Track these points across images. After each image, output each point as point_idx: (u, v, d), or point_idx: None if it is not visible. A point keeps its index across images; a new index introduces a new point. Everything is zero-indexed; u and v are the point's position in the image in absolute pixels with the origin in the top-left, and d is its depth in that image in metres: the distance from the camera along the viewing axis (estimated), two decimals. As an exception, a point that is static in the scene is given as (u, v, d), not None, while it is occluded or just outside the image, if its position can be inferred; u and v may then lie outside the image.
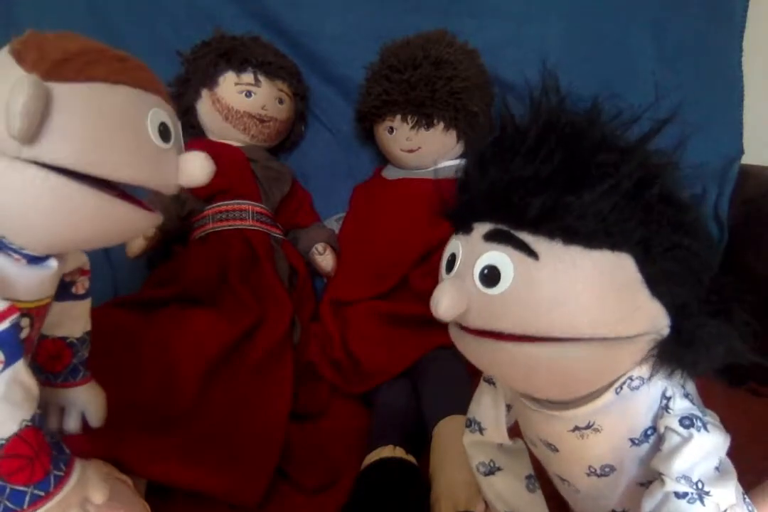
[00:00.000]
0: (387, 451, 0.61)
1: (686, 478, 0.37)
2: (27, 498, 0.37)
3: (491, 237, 0.35)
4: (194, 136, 0.96)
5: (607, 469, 0.42)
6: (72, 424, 0.53)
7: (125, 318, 0.72)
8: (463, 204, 0.39)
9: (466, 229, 0.37)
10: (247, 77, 0.92)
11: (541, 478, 0.51)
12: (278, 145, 1.02)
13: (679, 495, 0.37)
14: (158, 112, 0.40)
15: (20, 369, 0.36)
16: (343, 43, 1.03)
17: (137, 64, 0.41)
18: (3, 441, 0.35)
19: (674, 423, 0.38)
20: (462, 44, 0.91)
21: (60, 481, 0.39)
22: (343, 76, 1.04)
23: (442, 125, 0.89)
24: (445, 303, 0.34)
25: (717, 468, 0.37)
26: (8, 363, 0.36)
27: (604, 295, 0.33)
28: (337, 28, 1.04)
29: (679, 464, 0.37)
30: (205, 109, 0.93)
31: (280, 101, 0.96)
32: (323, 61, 1.05)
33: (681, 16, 1.00)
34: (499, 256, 0.34)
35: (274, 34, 1.02)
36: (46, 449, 0.38)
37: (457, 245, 0.38)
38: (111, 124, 0.37)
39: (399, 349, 0.78)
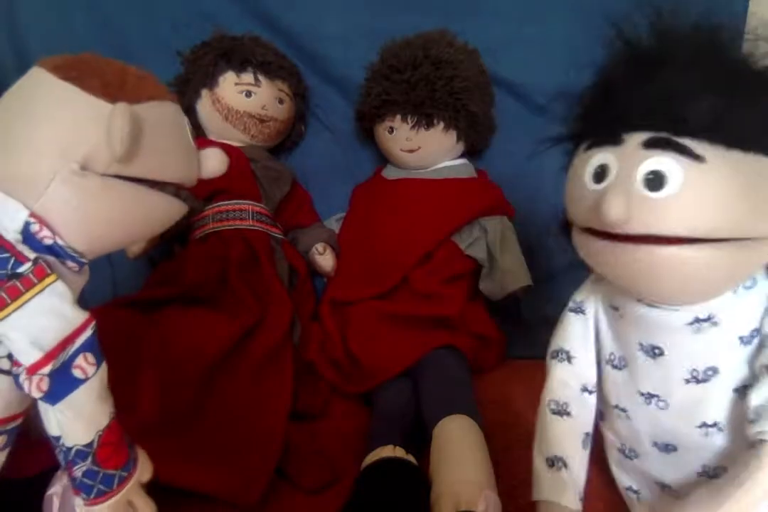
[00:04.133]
0: (387, 451, 0.61)
1: None
2: (116, 480, 0.42)
3: (653, 144, 0.37)
4: (194, 136, 0.96)
5: (709, 372, 0.43)
6: None
7: (125, 318, 0.72)
8: (610, 115, 0.40)
9: (615, 140, 0.39)
10: (247, 77, 0.92)
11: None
12: (278, 145, 1.02)
13: None
14: (186, 117, 0.47)
15: (104, 368, 0.41)
16: (343, 43, 1.03)
17: (154, 77, 0.45)
18: (100, 432, 0.41)
19: None
20: (462, 44, 0.91)
21: (135, 463, 0.45)
22: (343, 76, 1.04)
23: (442, 125, 0.89)
24: (616, 208, 0.36)
25: None
26: (98, 365, 0.40)
27: (762, 197, 0.36)
28: (337, 28, 1.04)
29: None
30: (205, 109, 0.93)
31: (280, 101, 0.96)
32: (323, 61, 1.05)
33: (681, 17, 1.00)
34: (664, 161, 0.36)
35: (274, 34, 1.02)
36: (124, 436, 0.43)
37: (606, 156, 0.39)
38: (171, 136, 0.45)
39: (399, 349, 0.78)
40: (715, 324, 0.42)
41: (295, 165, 1.04)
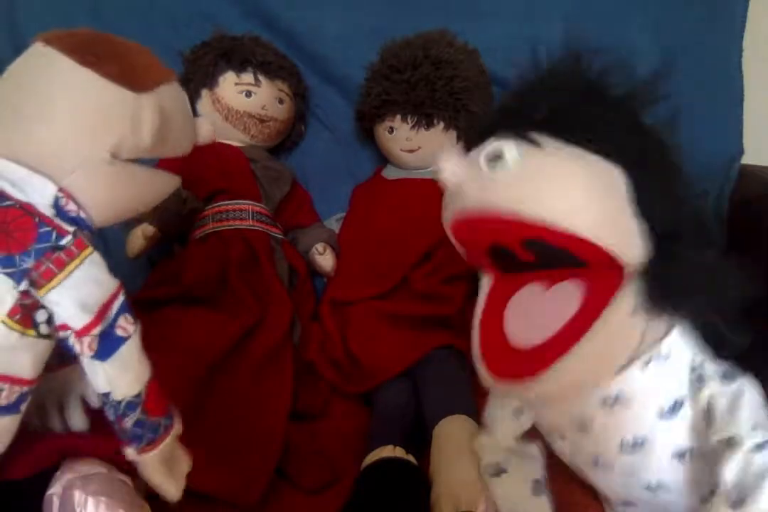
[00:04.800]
0: (387, 451, 0.61)
1: (761, 426, 0.38)
2: (161, 428, 0.46)
3: (501, 134, 0.40)
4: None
5: (639, 441, 0.43)
6: (77, 418, 0.53)
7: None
8: (487, 122, 0.45)
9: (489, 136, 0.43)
10: (247, 77, 0.92)
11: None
12: (278, 145, 1.02)
13: (760, 447, 0.37)
14: (184, 92, 0.50)
15: (140, 327, 0.46)
16: (343, 43, 1.03)
17: (150, 53, 0.47)
18: (146, 383, 0.45)
19: (718, 387, 0.40)
20: (462, 44, 0.91)
21: (174, 414, 0.49)
22: (343, 76, 1.04)
23: (442, 125, 0.89)
24: (449, 165, 0.40)
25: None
26: (135, 324, 0.45)
27: (599, 198, 0.38)
28: (337, 28, 1.03)
29: (746, 417, 0.38)
30: (205, 109, 0.93)
31: (280, 101, 0.96)
32: (323, 61, 1.05)
33: (681, 17, 1.00)
34: (504, 143, 0.39)
35: (274, 34, 1.02)
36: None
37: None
38: (181, 116, 0.47)
39: (399, 349, 0.78)
40: (624, 402, 0.42)
41: (295, 165, 1.04)
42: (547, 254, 0.40)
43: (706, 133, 0.96)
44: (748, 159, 0.96)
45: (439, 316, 0.83)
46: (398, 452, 0.61)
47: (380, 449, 0.62)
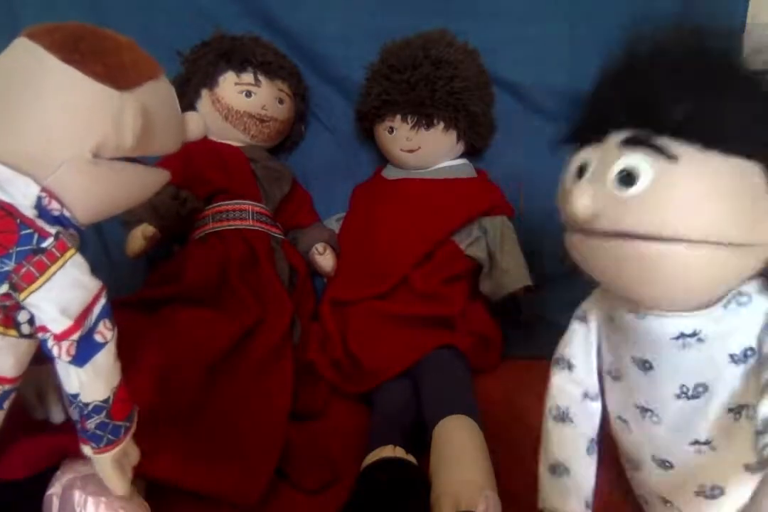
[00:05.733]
0: (387, 451, 0.61)
1: None
2: (122, 431, 0.46)
3: (628, 142, 0.37)
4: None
5: (700, 389, 0.42)
6: (55, 411, 0.53)
7: (125, 318, 0.71)
8: (597, 115, 0.40)
9: (598, 138, 0.39)
10: (247, 77, 0.92)
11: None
12: (278, 145, 1.02)
13: None
14: (173, 87, 0.48)
15: (116, 331, 0.45)
16: (343, 43, 1.03)
17: (139, 48, 0.46)
18: (115, 389, 0.44)
19: None
20: (462, 44, 0.91)
21: (135, 414, 0.48)
22: (343, 76, 1.04)
23: (442, 125, 0.89)
24: (583, 201, 0.36)
25: None
26: (114, 329, 0.44)
27: (739, 201, 0.35)
28: (337, 28, 1.04)
29: None
30: (205, 109, 0.93)
31: (280, 101, 0.96)
32: (323, 61, 1.05)
33: (681, 17, 1.00)
34: (636, 159, 0.36)
35: (274, 34, 1.02)
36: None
37: (587, 154, 0.39)
38: (167, 113, 0.47)
39: (399, 349, 0.78)
40: (701, 340, 0.41)
41: (295, 165, 1.04)
42: None
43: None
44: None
45: (439, 316, 0.83)
46: (398, 452, 0.61)
47: (380, 449, 0.62)
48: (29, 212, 0.40)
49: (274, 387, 0.72)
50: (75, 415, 0.45)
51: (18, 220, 0.40)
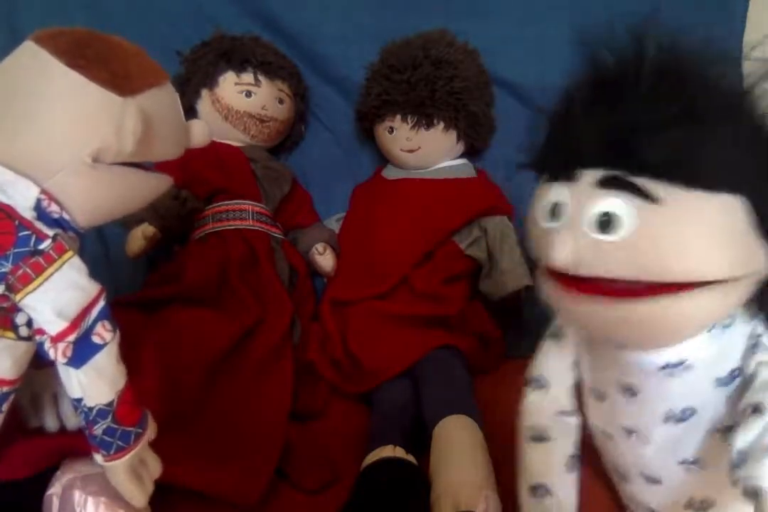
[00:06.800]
0: (387, 451, 0.61)
1: None
2: (132, 436, 0.45)
3: (607, 183, 0.34)
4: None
5: (687, 412, 0.42)
6: (71, 416, 0.52)
7: (125, 318, 0.71)
8: (566, 149, 0.37)
9: (570, 175, 0.36)
10: (247, 77, 0.92)
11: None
12: (278, 145, 1.02)
13: None
14: (176, 93, 0.49)
15: (118, 333, 0.45)
16: (343, 43, 1.03)
17: (147, 56, 0.47)
18: (119, 392, 0.44)
19: (766, 358, 0.39)
20: (462, 44, 0.91)
21: (146, 421, 0.47)
22: (343, 76, 1.04)
23: (442, 125, 0.89)
24: (564, 250, 0.34)
25: None
26: (114, 331, 0.44)
27: (726, 239, 0.33)
28: (337, 28, 1.04)
29: None
30: (205, 109, 0.93)
31: (280, 101, 0.96)
32: (323, 61, 1.05)
33: (681, 17, 1.00)
34: (617, 203, 0.33)
35: (274, 34, 1.02)
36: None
37: (561, 193, 0.36)
38: (170, 119, 0.47)
39: (399, 349, 0.78)
40: (688, 368, 0.40)
41: (295, 165, 1.04)
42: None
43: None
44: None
45: (439, 316, 0.83)
46: (398, 452, 0.61)
47: (380, 449, 0.62)
48: (28, 214, 0.41)
49: (274, 387, 0.72)
50: (82, 421, 0.44)
51: (16, 222, 0.40)
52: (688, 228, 0.33)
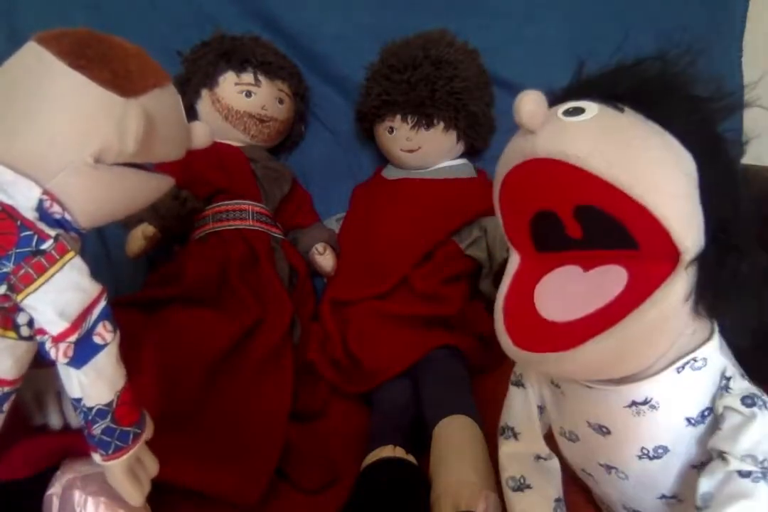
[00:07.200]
0: (387, 451, 0.61)
1: (752, 457, 0.37)
2: (131, 436, 0.45)
3: (584, 96, 0.38)
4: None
5: (660, 451, 0.42)
6: (73, 414, 0.52)
7: (125, 318, 0.71)
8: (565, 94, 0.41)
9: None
10: (247, 77, 0.92)
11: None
12: (278, 145, 1.02)
13: (742, 474, 0.37)
14: (178, 95, 0.48)
15: (119, 334, 0.44)
16: (343, 43, 1.03)
17: (147, 56, 0.47)
18: (119, 393, 0.44)
19: (736, 403, 0.39)
20: (462, 44, 0.91)
21: (145, 421, 0.48)
22: (343, 76, 1.04)
23: (442, 125, 0.89)
24: (529, 105, 0.36)
25: None
26: (115, 331, 0.44)
27: (671, 170, 0.35)
28: (337, 28, 1.04)
29: (744, 443, 0.37)
30: (205, 109, 0.93)
31: (280, 101, 0.96)
32: (323, 61, 1.05)
33: (681, 17, 1.00)
34: (586, 102, 0.37)
35: (274, 34, 1.02)
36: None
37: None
38: (172, 120, 0.47)
39: (399, 349, 0.78)
40: (653, 407, 0.40)
41: (295, 165, 1.04)
42: (598, 228, 0.38)
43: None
44: (748, 159, 0.96)
45: (439, 316, 0.83)
46: (398, 452, 0.61)
47: (380, 449, 0.62)
48: (30, 214, 0.41)
49: (274, 387, 0.72)
50: (81, 421, 0.44)
51: (18, 222, 0.40)
52: (645, 138, 0.36)
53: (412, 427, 0.69)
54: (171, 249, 0.90)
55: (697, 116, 0.37)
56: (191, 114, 0.94)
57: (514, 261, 0.45)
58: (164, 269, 0.85)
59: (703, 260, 0.35)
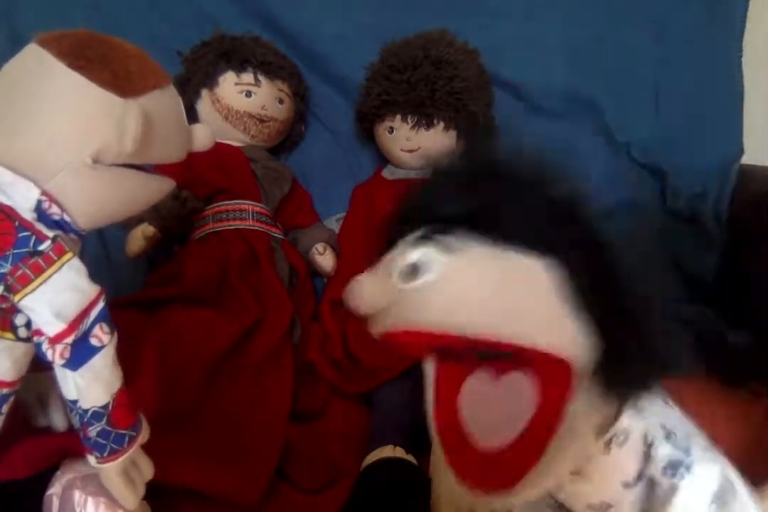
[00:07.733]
0: (387, 451, 0.61)
1: None
2: (126, 439, 0.46)
3: (418, 239, 0.36)
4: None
5: (605, 506, 0.42)
6: (58, 418, 0.53)
7: (125, 318, 0.72)
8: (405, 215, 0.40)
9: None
10: (247, 77, 0.92)
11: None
12: (278, 145, 1.02)
13: None
14: (179, 96, 0.48)
15: (116, 336, 0.44)
16: (343, 43, 1.03)
17: (148, 57, 0.47)
18: (115, 395, 0.44)
19: (658, 474, 0.39)
20: (462, 44, 0.91)
21: (140, 424, 0.48)
22: (343, 76, 1.04)
23: (442, 125, 0.89)
24: (364, 295, 0.36)
25: (713, 502, 0.38)
26: (112, 333, 0.44)
27: (527, 298, 0.33)
28: (337, 28, 1.04)
29: None
30: (205, 109, 0.93)
31: (280, 101, 0.96)
32: (323, 61, 1.05)
33: (681, 17, 1.00)
34: (421, 253, 0.35)
35: (274, 34, 1.02)
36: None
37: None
38: (172, 122, 0.47)
39: (399, 349, 0.78)
40: (586, 477, 0.41)
41: (295, 165, 1.04)
42: (491, 354, 0.36)
43: (705, 134, 0.96)
44: (748, 159, 0.96)
45: (439, 316, 0.82)
46: (398, 452, 0.61)
47: (380, 449, 0.62)
48: (28, 215, 0.41)
49: (274, 387, 0.72)
50: (77, 423, 0.44)
51: (16, 223, 0.40)
52: (482, 278, 0.34)
53: (412, 427, 0.69)
54: (171, 249, 0.90)
55: (548, 222, 0.35)
56: (191, 114, 0.94)
57: (430, 368, 0.42)
58: (164, 269, 0.85)
59: (603, 358, 0.34)
